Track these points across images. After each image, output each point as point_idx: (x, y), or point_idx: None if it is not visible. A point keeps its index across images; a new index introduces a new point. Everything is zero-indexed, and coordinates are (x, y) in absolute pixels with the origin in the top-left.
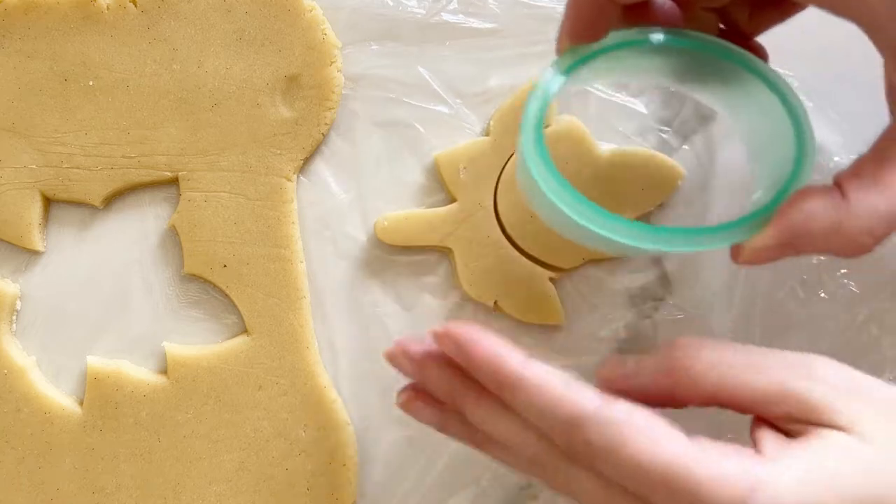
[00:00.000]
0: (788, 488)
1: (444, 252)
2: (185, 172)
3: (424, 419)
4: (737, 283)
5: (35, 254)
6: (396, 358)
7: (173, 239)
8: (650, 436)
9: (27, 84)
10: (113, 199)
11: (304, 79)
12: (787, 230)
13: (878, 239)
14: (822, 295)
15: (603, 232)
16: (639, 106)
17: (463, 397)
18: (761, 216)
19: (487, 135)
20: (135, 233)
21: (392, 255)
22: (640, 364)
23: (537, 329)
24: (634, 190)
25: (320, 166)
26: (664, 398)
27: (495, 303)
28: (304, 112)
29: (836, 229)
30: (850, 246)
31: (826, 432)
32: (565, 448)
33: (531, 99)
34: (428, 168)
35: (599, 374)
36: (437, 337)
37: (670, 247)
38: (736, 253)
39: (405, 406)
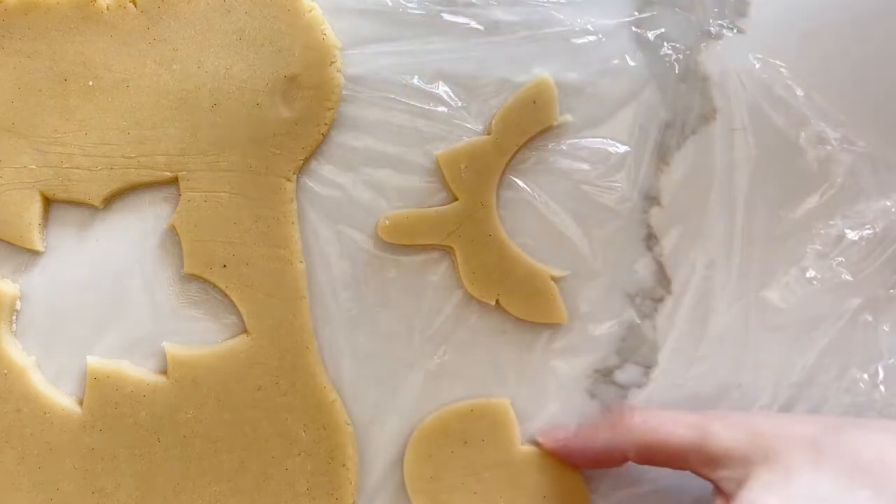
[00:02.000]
0: None
1: (446, 251)
2: (184, 172)
3: None
4: (730, 281)
5: (35, 254)
6: None
7: (173, 239)
8: None
9: (27, 84)
10: (113, 199)
11: (304, 79)
12: None
13: None
14: (816, 285)
15: None
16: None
17: None
18: None
19: (489, 133)
20: (135, 233)
21: (393, 254)
22: (582, 428)
23: (539, 328)
24: (535, 494)
25: (321, 166)
26: (604, 454)
27: (497, 301)
28: (304, 112)
29: None
30: None
31: (751, 476)
32: None
33: None
34: (429, 167)
35: (541, 439)
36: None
37: None
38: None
39: None
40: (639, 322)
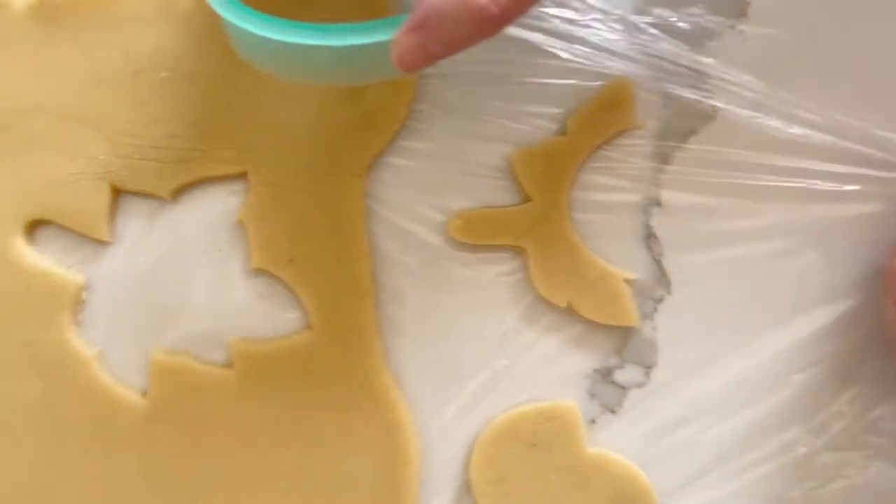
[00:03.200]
0: None
1: (517, 251)
2: (254, 166)
3: None
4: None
5: (102, 244)
6: None
7: (240, 233)
8: None
9: (99, 75)
10: (181, 192)
11: None
12: (422, 12)
13: (502, 7)
14: None
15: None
16: None
17: None
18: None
19: (564, 134)
20: (202, 226)
21: (463, 253)
22: None
23: (609, 332)
24: (602, 498)
25: (391, 163)
26: None
27: (568, 303)
28: (377, 108)
29: (463, 3)
30: (478, 16)
31: None
32: None
33: None
34: (500, 166)
35: None
36: None
37: (330, 41)
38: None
39: None
40: (639, 322)
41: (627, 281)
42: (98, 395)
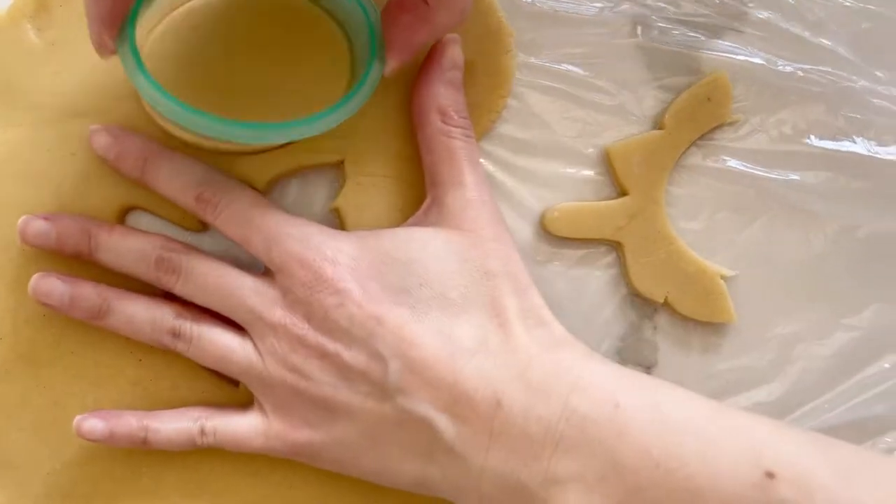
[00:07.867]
0: None
1: (612, 245)
2: (352, 155)
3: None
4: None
5: (193, 233)
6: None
7: (336, 222)
8: None
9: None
10: (277, 181)
11: (479, 66)
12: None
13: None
14: None
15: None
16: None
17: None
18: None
19: (661, 128)
20: (299, 214)
21: (557, 247)
22: None
23: (703, 329)
24: None
25: (487, 155)
26: None
27: (665, 299)
28: (475, 99)
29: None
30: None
31: None
32: None
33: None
34: (595, 160)
35: None
36: None
37: (269, 139)
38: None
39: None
40: (639, 322)
41: (723, 277)
42: (193, 383)
